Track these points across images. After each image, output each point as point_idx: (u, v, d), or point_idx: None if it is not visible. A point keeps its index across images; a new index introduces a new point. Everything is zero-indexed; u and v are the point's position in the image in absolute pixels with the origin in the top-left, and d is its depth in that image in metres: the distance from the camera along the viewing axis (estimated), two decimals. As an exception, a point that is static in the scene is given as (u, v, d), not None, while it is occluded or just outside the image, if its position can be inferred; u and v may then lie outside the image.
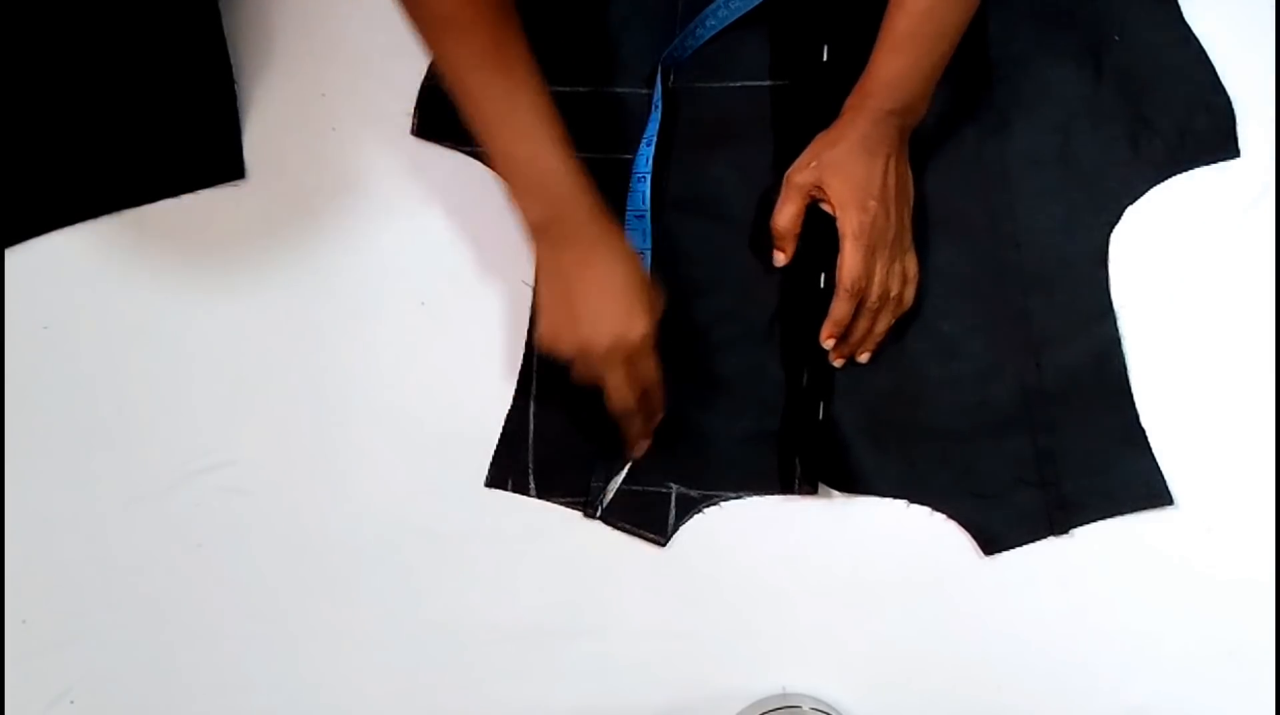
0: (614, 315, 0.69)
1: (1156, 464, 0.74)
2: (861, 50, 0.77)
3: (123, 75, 0.81)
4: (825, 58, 0.78)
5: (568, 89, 0.80)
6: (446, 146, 0.81)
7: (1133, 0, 0.79)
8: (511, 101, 0.67)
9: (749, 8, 0.77)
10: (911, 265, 0.74)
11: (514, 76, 0.67)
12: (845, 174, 0.70)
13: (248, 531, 0.78)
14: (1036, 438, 0.75)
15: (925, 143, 0.77)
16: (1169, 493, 0.74)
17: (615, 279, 0.69)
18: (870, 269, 0.71)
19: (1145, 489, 0.74)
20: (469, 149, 0.81)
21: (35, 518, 0.79)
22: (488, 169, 0.80)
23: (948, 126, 0.77)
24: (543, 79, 0.69)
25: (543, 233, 0.70)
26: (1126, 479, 0.74)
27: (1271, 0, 0.78)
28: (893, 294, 0.73)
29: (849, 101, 0.72)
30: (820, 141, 0.72)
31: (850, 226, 0.70)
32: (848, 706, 0.74)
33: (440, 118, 0.81)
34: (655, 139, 0.77)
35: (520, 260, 0.79)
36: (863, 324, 0.74)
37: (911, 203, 0.74)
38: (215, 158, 0.81)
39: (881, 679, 0.75)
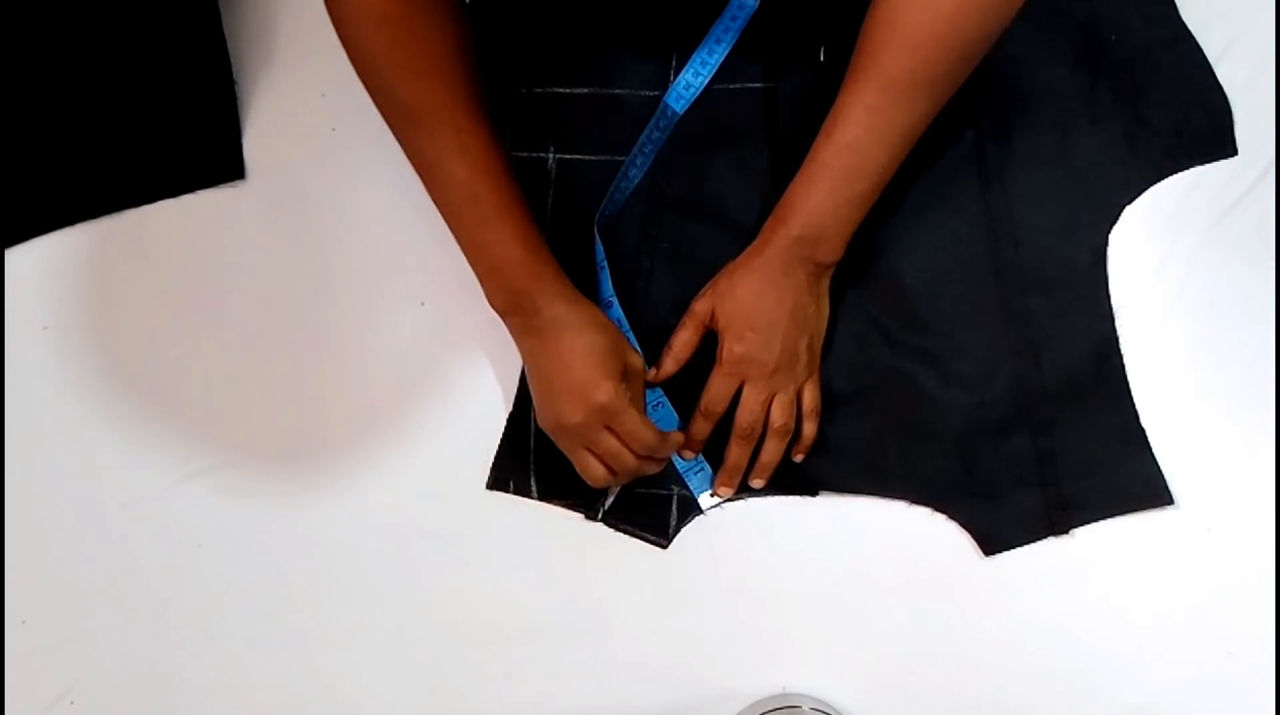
0: (576, 386, 0.70)
1: (1156, 464, 0.74)
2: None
3: (123, 75, 0.81)
4: (822, 58, 0.78)
5: (568, 90, 0.80)
6: (446, 147, 0.81)
7: (1129, 0, 0.79)
8: (475, 190, 0.69)
9: (665, 138, 0.78)
10: (811, 396, 0.74)
11: (478, 166, 0.69)
12: (732, 301, 0.72)
13: (247, 532, 0.78)
14: (1036, 438, 0.75)
15: (924, 144, 0.77)
16: (1169, 493, 0.74)
17: (576, 353, 0.70)
18: (727, 395, 0.73)
19: (1145, 489, 0.74)
20: (469, 149, 0.81)
21: (35, 518, 0.79)
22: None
23: (945, 127, 0.77)
24: (510, 166, 0.70)
25: (509, 317, 0.72)
26: (1126, 479, 0.74)
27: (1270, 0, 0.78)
28: (775, 424, 0.73)
29: (765, 225, 0.72)
30: (725, 267, 0.73)
31: (721, 354, 0.72)
32: (848, 706, 0.74)
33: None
34: (614, 297, 0.77)
35: (520, 260, 0.79)
36: (735, 450, 0.74)
37: (817, 334, 0.74)
38: (215, 158, 0.81)
39: (881, 679, 0.75)
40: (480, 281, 0.71)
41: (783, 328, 0.71)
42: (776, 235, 0.70)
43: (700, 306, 0.73)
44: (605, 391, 0.69)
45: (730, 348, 0.72)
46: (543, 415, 0.72)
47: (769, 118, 0.79)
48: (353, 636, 0.77)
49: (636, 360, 0.73)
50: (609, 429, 0.70)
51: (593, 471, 0.72)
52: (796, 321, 0.72)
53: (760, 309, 0.71)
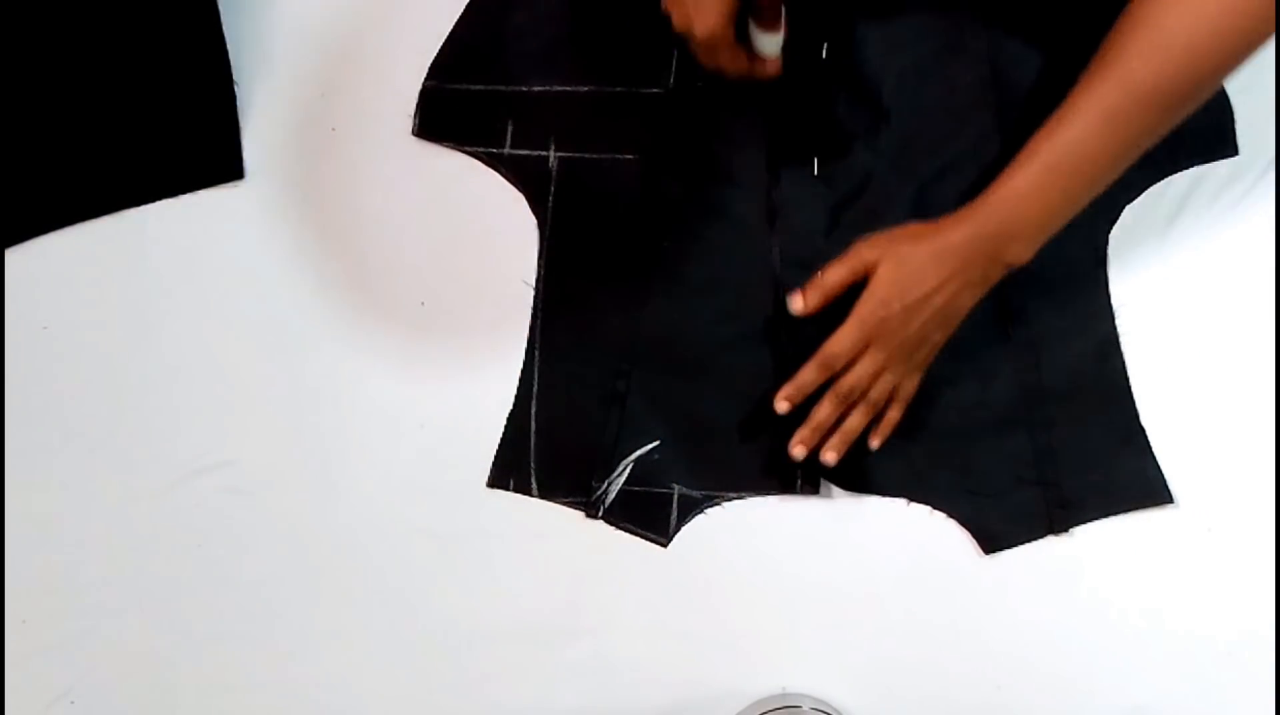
0: None
1: (1156, 463, 0.74)
2: (860, 49, 0.78)
3: (123, 76, 0.81)
4: (824, 55, 0.78)
5: (569, 89, 0.80)
6: (446, 146, 0.81)
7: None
8: None
9: None
10: (910, 386, 0.72)
11: None
12: (896, 266, 0.68)
13: (248, 531, 0.78)
14: (1036, 437, 0.75)
15: (924, 145, 0.77)
16: (1169, 492, 0.74)
17: None
18: (851, 352, 0.70)
19: (1145, 488, 0.74)
20: (469, 149, 0.81)
21: (35, 518, 0.79)
22: (488, 169, 0.80)
23: (946, 127, 0.77)
24: None
25: None
26: (1126, 478, 0.74)
27: None
28: (872, 396, 0.71)
29: (965, 207, 0.68)
30: (912, 228, 0.70)
31: (861, 310, 0.69)
32: (848, 706, 0.74)
33: (440, 118, 0.81)
34: None
35: (520, 260, 0.79)
36: (826, 408, 0.72)
37: (950, 333, 0.71)
38: (215, 158, 0.81)
39: (881, 679, 0.75)
40: None
41: (929, 313, 0.69)
42: (972, 223, 0.67)
43: (868, 254, 0.70)
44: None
45: (873, 309, 0.69)
46: None
47: (774, 114, 0.79)
48: (352, 636, 0.77)
49: None
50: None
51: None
52: (944, 315, 0.69)
53: (921, 285, 0.68)
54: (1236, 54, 0.62)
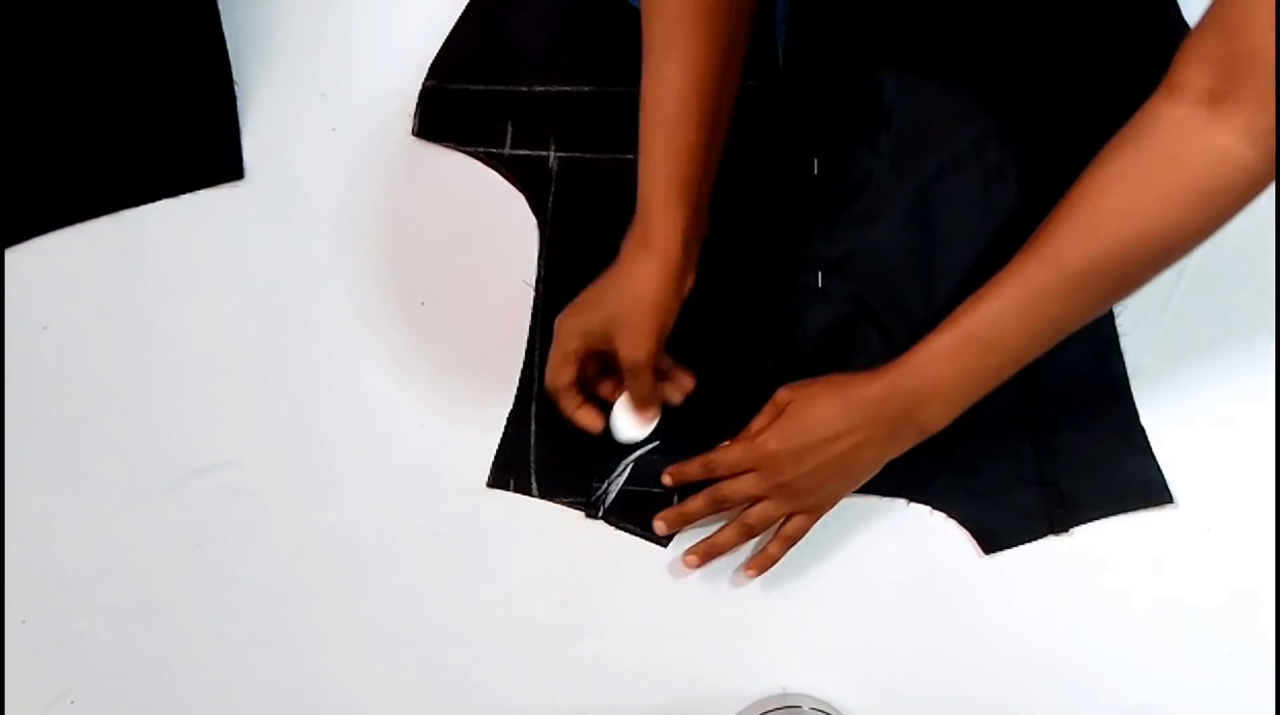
0: (574, 304, 0.70)
1: (1156, 463, 0.74)
2: (860, 49, 0.78)
3: (122, 76, 0.81)
4: (824, 56, 0.78)
5: (569, 89, 0.80)
6: (446, 146, 0.81)
7: (1130, 1, 0.79)
8: (675, 93, 0.65)
9: None
10: (798, 526, 0.72)
11: (690, 78, 0.65)
12: (803, 407, 0.69)
13: (248, 531, 0.78)
14: (1036, 436, 0.75)
15: (924, 145, 0.77)
16: (1169, 492, 0.74)
17: (601, 288, 0.69)
18: (731, 471, 0.71)
19: (1145, 488, 0.74)
20: (469, 149, 0.81)
21: (35, 518, 0.79)
22: (488, 169, 0.80)
23: (946, 127, 0.77)
24: (720, 111, 0.67)
25: None
26: (1126, 478, 0.74)
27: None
28: (747, 519, 0.71)
29: (884, 366, 0.68)
30: (834, 377, 0.70)
31: (759, 436, 0.70)
32: (848, 706, 0.75)
33: (440, 118, 0.81)
34: None
35: (520, 260, 0.79)
36: (695, 502, 0.72)
37: (851, 485, 0.71)
38: (215, 158, 0.81)
39: (881, 679, 0.75)
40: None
41: (825, 460, 0.68)
42: (887, 379, 0.67)
43: (782, 396, 0.71)
44: (564, 337, 0.69)
45: (766, 440, 0.69)
46: None
47: (771, 116, 0.78)
48: (352, 636, 0.77)
49: (635, 353, 0.67)
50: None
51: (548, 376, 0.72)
52: (842, 464, 0.69)
53: (821, 430, 0.68)
54: (1167, 250, 0.61)
